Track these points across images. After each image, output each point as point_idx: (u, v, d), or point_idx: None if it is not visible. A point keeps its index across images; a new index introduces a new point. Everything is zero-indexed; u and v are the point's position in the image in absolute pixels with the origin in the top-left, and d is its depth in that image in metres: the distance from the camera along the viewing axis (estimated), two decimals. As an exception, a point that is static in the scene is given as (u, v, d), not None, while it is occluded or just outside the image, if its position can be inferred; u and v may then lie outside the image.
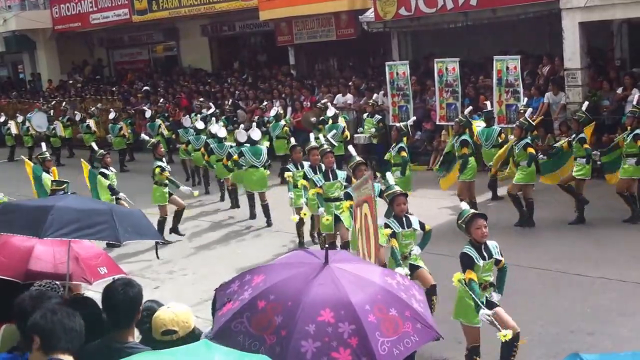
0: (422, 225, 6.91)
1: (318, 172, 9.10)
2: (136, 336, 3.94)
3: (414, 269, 6.75)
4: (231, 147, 12.28)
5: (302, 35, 18.90)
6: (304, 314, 2.87)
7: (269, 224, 11.49)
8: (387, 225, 6.76)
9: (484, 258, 5.73)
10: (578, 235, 9.66)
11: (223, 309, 3.07)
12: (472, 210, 5.88)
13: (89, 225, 4.42)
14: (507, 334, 5.17)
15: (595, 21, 12.94)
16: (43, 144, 12.62)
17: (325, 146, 9.66)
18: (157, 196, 11.02)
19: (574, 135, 10.29)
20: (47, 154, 11.67)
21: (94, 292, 4.73)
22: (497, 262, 5.88)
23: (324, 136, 12.20)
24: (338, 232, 8.72)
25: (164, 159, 11.29)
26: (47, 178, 10.65)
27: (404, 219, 6.77)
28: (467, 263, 5.70)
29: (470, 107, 12.74)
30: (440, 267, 7.36)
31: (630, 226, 9.78)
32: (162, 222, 10.92)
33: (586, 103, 11.44)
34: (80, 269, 4.81)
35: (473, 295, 5.46)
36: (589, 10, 12.73)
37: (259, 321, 2.91)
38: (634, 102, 10.56)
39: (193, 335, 3.44)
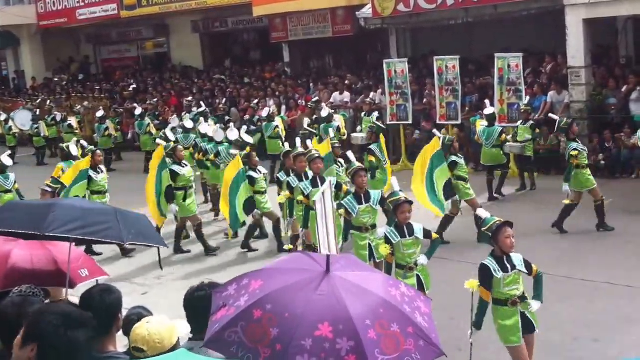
0: (427, 234, 6.61)
1: (304, 179, 8.69)
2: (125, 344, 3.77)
3: (420, 283, 6.47)
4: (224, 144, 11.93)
5: (297, 31, 18.57)
6: (301, 327, 2.77)
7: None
8: (386, 239, 6.45)
9: (505, 270, 5.38)
10: (583, 239, 9.44)
11: (217, 314, 2.95)
12: (498, 218, 5.52)
13: (91, 224, 4.47)
14: None
15: (599, 18, 12.77)
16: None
17: (313, 152, 9.16)
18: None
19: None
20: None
21: (76, 297, 4.41)
22: (530, 271, 5.56)
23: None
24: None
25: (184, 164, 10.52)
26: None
27: (405, 227, 6.45)
28: (483, 277, 5.39)
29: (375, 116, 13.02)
30: (435, 271, 7.04)
31: (638, 229, 9.55)
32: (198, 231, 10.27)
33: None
34: (61, 272, 4.54)
35: (475, 312, 5.31)
36: (594, 6, 12.58)
37: (254, 332, 2.81)
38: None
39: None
